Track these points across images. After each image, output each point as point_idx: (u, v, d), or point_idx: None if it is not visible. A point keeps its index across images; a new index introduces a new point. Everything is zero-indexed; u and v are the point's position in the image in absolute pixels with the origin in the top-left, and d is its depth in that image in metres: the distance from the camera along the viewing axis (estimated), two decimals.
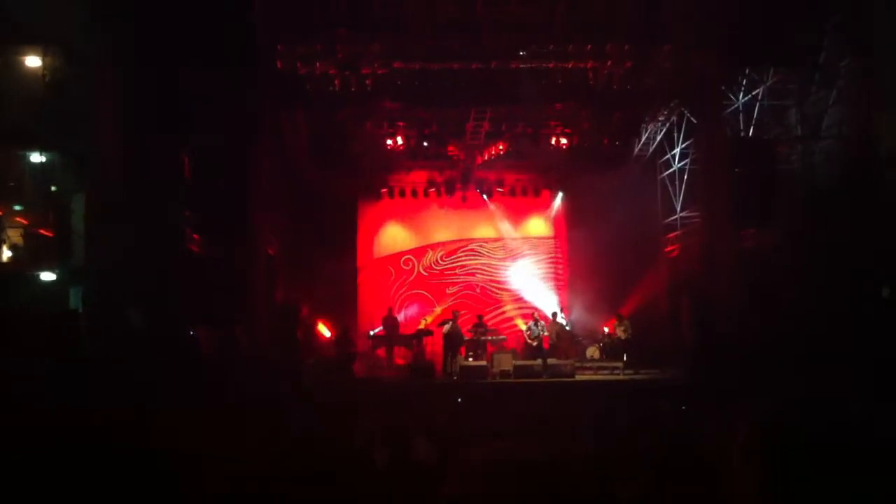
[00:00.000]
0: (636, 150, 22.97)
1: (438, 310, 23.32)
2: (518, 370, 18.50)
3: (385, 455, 5.68)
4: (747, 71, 17.90)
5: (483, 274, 24.50)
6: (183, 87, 14.92)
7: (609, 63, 18.82)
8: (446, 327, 19.64)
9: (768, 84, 17.58)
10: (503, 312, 24.09)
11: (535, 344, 20.19)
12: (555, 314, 21.73)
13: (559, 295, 24.31)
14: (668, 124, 21.63)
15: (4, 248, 15.59)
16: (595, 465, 6.35)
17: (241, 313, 16.35)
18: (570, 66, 18.89)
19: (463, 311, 22.40)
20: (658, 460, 6.63)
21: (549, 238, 24.88)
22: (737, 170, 17.66)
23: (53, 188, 16.38)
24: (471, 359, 19.55)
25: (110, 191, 14.26)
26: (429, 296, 24.19)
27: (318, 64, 18.42)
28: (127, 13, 14.07)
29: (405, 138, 21.70)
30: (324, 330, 21.41)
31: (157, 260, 14.49)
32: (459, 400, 13.31)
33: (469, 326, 20.55)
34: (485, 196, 23.96)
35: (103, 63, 14.14)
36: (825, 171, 14.89)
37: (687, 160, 20.67)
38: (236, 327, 16.00)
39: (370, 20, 17.40)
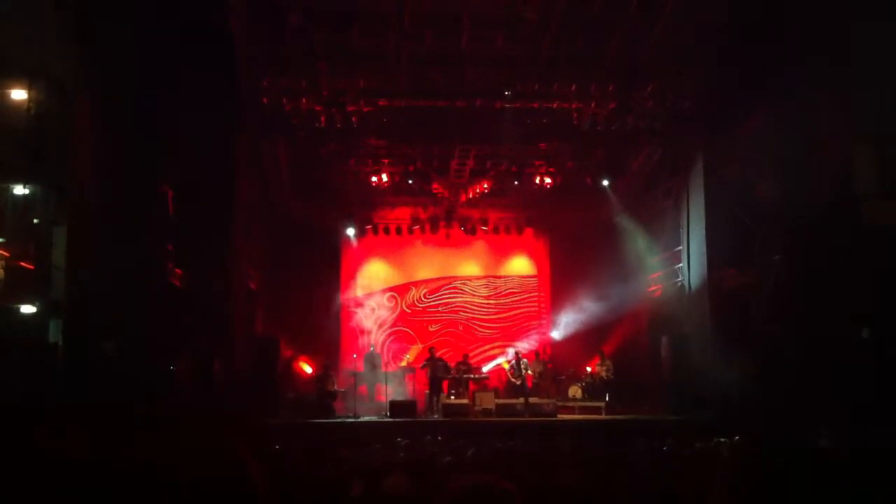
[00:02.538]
0: (620, 189, 23.07)
1: (420, 346, 23.20)
2: (500, 409, 18.43)
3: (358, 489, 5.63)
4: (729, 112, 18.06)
5: (466, 312, 24.47)
6: (165, 121, 14.95)
7: (593, 103, 19.02)
8: (429, 369, 19.62)
9: (750, 125, 17.73)
10: (486, 350, 24.04)
11: (517, 383, 20.16)
12: (538, 353, 21.71)
13: (542, 333, 24.29)
14: (651, 164, 21.78)
15: None
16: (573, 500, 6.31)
17: (219, 347, 16.24)
18: (554, 105, 19.06)
19: (445, 349, 22.38)
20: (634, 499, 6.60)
21: (532, 276, 24.92)
22: (717, 210, 17.80)
23: (35, 221, 16.31)
24: (453, 397, 19.46)
25: (91, 224, 14.19)
26: (412, 333, 24.13)
27: (303, 99, 18.53)
28: (110, 47, 14.10)
29: (390, 175, 21.76)
30: (306, 368, 21.27)
31: (137, 293, 14.40)
32: (439, 438, 13.17)
33: (453, 364, 20.47)
34: (468, 234, 24.01)
35: (85, 96, 14.14)
36: (805, 208, 15.01)
37: (670, 200, 20.78)
38: (214, 361, 15.88)
39: (353, 56, 17.54)
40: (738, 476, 3.36)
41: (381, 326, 24.12)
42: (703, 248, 18.27)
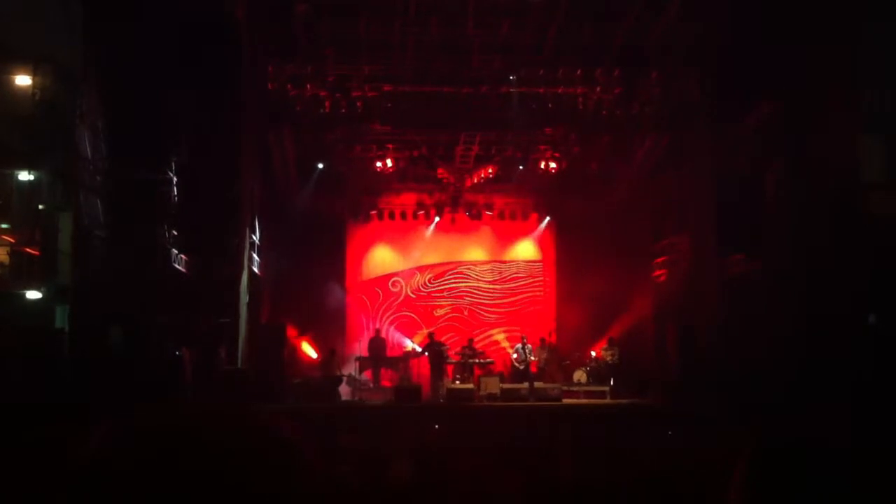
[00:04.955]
0: (625, 174, 23.01)
1: (425, 331, 23.23)
2: (505, 393, 18.47)
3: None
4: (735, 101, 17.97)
5: (471, 297, 24.47)
6: (170, 107, 14.96)
7: (598, 88, 18.98)
8: (429, 354, 19.69)
9: (757, 114, 17.65)
10: (491, 335, 24.04)
11: (522, 367, 20.18)
12: (542, 338, 21.72)
13: (547, 319, 24.28)
14: (657, 150, 21.68)
15: None
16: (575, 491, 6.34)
17: (225, 333, 16.29)
18: (559, 90, 19.03)
19: (450, 334, 22.41)
20: (637, 488, 6.62)
21: (537, 261, 24.89)
22: (724, 196, 17.74)
23: (41, 206, 16.38)
24: (458, 382, 19.51)
25: (97, 210, 14.24)
26: (416, 318, 24.14)
27: (308, 85, 18.52)
28: (115, 33, 14.10)
29: (394, 161, 21.73)
30: (310, 351, 21.32)
31: (142, 279, 14.45)
32: (437, 427, 13.21)
33: (458, 349, 20.51)
34: (474, 219, 23.98)
35: (90, 82, 14.16)
36: (810, 198, 14.96)
37: (675, 186, 20.71)
38: (219, 348, 15.93)
39: (358, 42, 17.53)
40: (754, 474, 3.37)
41: (386, 311, 24.16)
42: (710, 235, 18.21)
